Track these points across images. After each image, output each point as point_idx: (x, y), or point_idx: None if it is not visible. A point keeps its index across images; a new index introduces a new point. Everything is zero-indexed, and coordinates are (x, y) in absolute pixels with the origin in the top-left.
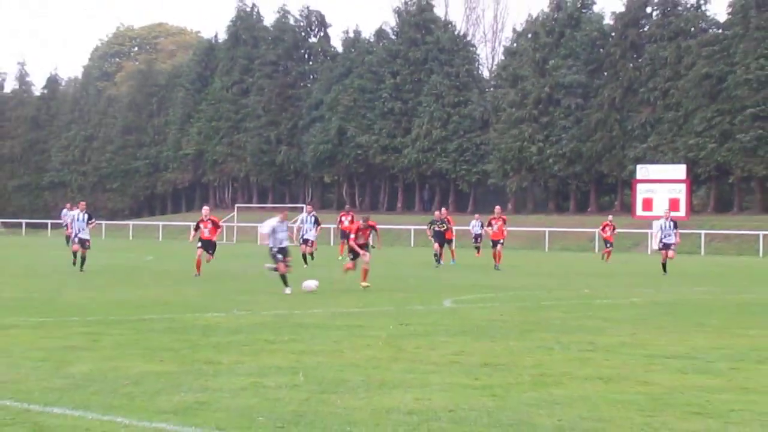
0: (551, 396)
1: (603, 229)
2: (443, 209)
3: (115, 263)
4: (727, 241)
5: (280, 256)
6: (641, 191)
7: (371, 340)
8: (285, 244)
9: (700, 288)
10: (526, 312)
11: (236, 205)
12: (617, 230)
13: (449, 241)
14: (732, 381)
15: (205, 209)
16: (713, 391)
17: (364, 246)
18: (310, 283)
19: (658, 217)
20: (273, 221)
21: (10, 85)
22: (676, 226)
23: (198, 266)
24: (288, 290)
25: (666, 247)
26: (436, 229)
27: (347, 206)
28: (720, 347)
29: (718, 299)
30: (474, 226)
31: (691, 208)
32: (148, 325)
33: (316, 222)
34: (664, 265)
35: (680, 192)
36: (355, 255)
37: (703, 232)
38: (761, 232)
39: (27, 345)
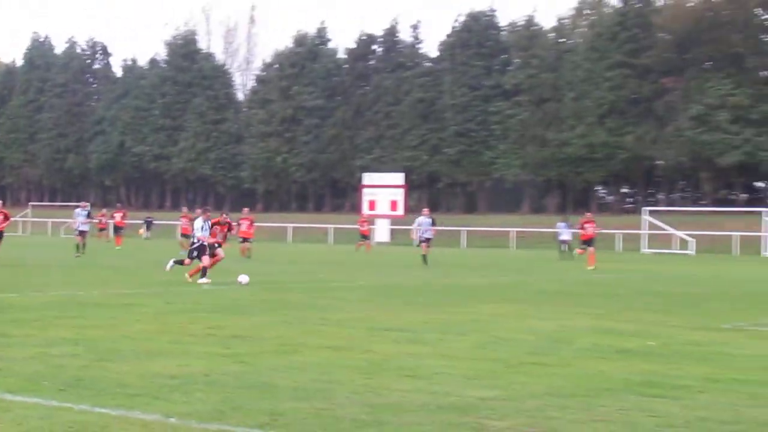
0: (290, 362)
1: (361, 224)
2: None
3: None
4: (437, 236)
5: (195, 253)
6: (367, 194)
7: (142, 316)
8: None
9: (413, 273)
10: (270, 293)
11: (30, 203)
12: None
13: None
14: (437, 349)
15: None
16: (422, 358)
17: (218, 244)
18: (243, 278)
19: (382, 216)
20: (199, 222)
21: None
22: (433, 223)
23: None
24: (201, 280)
25: (425, 241)
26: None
27: (119, 204)
28: (428, 321)
29: (427, 283)
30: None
31: (408, 209)
32: None
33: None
34: (424, 257)
35: (399, 195)
36: (199, 253)
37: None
38: (465, 228)
39: None
